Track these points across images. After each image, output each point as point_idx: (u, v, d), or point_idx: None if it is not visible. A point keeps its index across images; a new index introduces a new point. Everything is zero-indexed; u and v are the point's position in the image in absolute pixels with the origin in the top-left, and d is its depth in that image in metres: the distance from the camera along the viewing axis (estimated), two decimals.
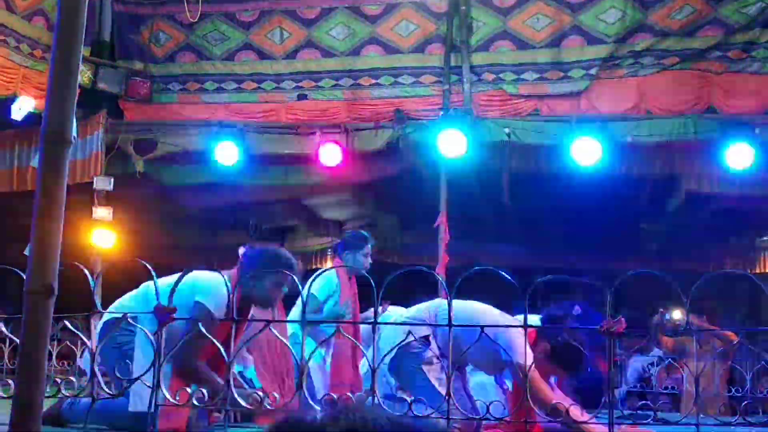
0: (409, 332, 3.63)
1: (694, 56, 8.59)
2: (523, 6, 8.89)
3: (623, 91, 8.74)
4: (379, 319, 3.69)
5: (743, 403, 3.50)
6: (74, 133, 2.19)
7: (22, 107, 8.37)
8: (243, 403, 3.08)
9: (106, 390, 3.07)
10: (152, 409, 3.02)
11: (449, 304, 3.31)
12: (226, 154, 8.49)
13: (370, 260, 5.93)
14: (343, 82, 9.26)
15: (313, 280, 4.53)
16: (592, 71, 8.75)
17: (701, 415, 3.18)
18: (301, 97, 9.34)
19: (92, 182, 8.45)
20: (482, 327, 3.34)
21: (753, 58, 8.46)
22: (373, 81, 9.22)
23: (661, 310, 7.96)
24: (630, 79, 8.74)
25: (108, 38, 9.35)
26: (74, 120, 2.18)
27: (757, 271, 12.15)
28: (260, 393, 3.27)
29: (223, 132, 8.64)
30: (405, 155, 8.78)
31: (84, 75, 8.63)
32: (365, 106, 9.22)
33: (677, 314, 7.82)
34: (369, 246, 5.97)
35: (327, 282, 5.80)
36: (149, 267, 3.29)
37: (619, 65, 8.76)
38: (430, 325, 4.36)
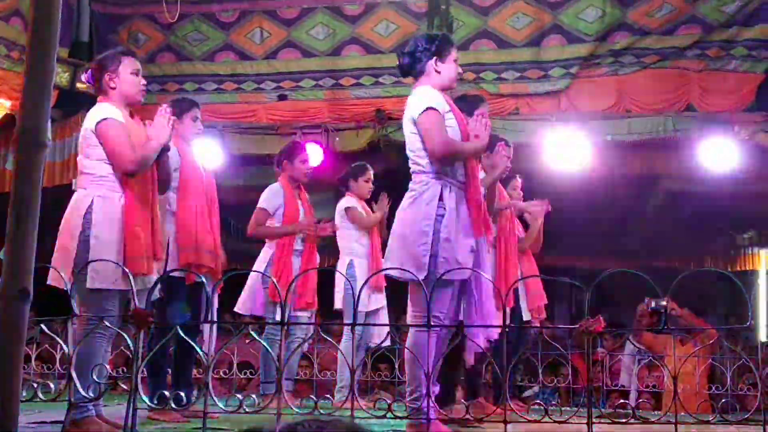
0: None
1: (673, 54, 8.63)
2: (503, 5, 8.90)
3: (603, 90, 8.77)
4: None
5: (721, 401, 3.52)
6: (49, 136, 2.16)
7: None
8: None
9: (84, 393, 3.05)
10: (131, 413, 2.99)
11: (428, 308, 3.31)
12: (207, 155, 8.44)
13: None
14: (324, 83, 9.25)
15: None
16: (572, 70, 8.77)
17: (680, 413, 3.20)
18: (282, 97, 9.31)
19: (71, 184, 8.40)
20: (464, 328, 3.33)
21: (731, 56, 8.50)
22: (354, 81, 9.21)
23: (647, 298, 7.98)
24: (610, 78, 8.77)
25: (86, 39, 9.28)
26: (49, 122, 2.16)
27: (738, 268, 12.22)
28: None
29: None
30: (386, 155, 8.79)
31: (62, 76, 8.57)
32: (346, 107, 9.22)
33: (663, 302, 7.84)
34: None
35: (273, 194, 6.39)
36: (128, 272, 3.27)
37: (599, 64, 8.78)
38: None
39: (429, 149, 4.08)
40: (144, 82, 4.35)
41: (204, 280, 4.07)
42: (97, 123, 4.10)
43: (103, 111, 4.16)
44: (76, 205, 4.07)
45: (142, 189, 4.14)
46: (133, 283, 3.33)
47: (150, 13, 9.41)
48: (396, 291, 5.90)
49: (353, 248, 6.68)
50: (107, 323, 3.61)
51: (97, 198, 4.03)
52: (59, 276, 3.76)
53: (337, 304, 6.55)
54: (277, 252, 6.22)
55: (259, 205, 6.30)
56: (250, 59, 9.39)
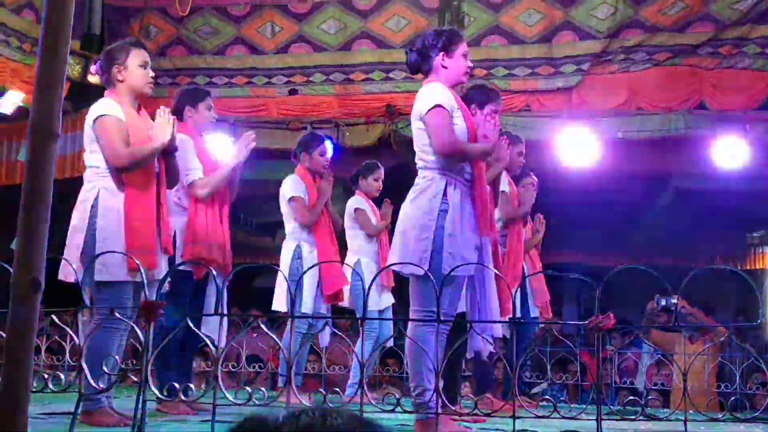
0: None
1: (685, 52, 8.60)
2: (515, 1, 8.88)
3: (614, 87, 8.75)
4: None
5: (731, 399, 3.51)
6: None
7: (11, 101, 8.34)
8: None
9: (94, 384, 3.06)
10: (141, 405, 3.00)
11: (438, 303, 3.31)
12: (218, 149, 8.44)
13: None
14: (335, 77, 9.25)
15: None
16: (584, 67, 8.76)
17: (690, 411, 3.19)
18: (292, 92, 9.33)
19: (82, 177, 8.40)
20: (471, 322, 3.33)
21: (744, 54, 8.47)
22: (365, 76, 9.21)
23: (657, 295, 7.95)
24: (621, 75, 8.75)
25: (98, 31, 9.27)
26: (61, 114, 2.16)
27: (748, 267, 12.19)
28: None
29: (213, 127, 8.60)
30: (397, 150, 8.79)
31: (74, 69, 8.59)
32: (356, 101, 9.22)
33: (673, 300, 7.81)
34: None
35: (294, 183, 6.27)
36: (138, 262, 3.28)
37: (611, 61, 8.76)
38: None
39: (435, 148, 4.06)
40: (152, 74, 4.34)
41: (214, 272, 4.07)
42: (95, 119, 4.12)
43: (102, 107, 4.17)
44: (83, 198, 4.11)
45: (145, 183, 4.14)
46: (144, 275, 3.33)
47: (161, 6, 9.43)
48: (403, 288, 5.91)
49: (361, 247, 6.68)
50: (118, 314, 3.61)
51: (102, 190, 4.07)
52: (69, 270, 3.79)
53: (348, 302, 6.53)
54: (319, 247, 6.14)
55: (292, 196, 6.19)
56: (261, 53, 9.39)
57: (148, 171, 4.17)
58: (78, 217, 4.07)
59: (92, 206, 4.04)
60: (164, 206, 4.30)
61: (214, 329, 4.44)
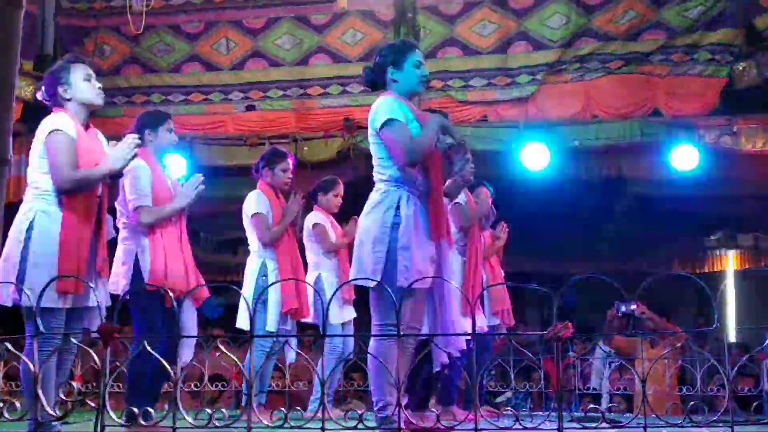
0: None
1: (638, 60, 8.73)
2: (469, 13, 8.97)
3: (570, 96, 8.85)
4: None
5: (690, 404, 3.55)
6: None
7: None
8: None
9: (50, 412, 3.01)
10: (100, 430, 2.96)
11: (398, 317, 3.31)
12: (174, 166, 8.39)
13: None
14: (291, 92, 9.25)
15: None
16: (539, 76, 8.84)
17: (650, 416, 3.21)
18: (249, 107, 9.31)
19: None
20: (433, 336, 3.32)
21: (695, 61, 8.61)
22: (322, 90, 9.23)
23: (617, 302, 8.01)
24: (576, 84, 8.85)
25: (51, 52, 9.21)
26: (11, 139, 2.13)
27: (706, 270, 12.34)
28: None
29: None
30: (356, 164, 8.78)
31: (26, 90, 8.49)
32: (314, 116, 9.22)
33: (632, 306, 7.88)
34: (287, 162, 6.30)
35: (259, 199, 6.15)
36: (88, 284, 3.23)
37: (565, 70, 8.86)
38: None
39: (399, 161, 4.07)
40: (99, 85, 4.23)
41: (180, 297, 4.01)
42: (48, 134, 4.01)
43: (55, 121, 4.03)
44: (19, 219, 3.97)
45: (85, 206, 4.01)
46: (101, 299, 3.29)
47: (115, 24, 9.37)
48: (364, 302, 5.90)
49: (320, 262, 6.64)
50: (73, 339, 3.56)
51: (39, 213, 3.93)
52: (5, 294, 3.72)
53: (312, 318, 6.47)
54: (281, 265, 6.06)
55: (255, 212, 6.05)
56: (216, 70, 9.37)
57: (89, 194, 4.05)
58: (12, 240, 3.90)
59: (27, 229, 3.91)
60: (104, 230, 4.18)
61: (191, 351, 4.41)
